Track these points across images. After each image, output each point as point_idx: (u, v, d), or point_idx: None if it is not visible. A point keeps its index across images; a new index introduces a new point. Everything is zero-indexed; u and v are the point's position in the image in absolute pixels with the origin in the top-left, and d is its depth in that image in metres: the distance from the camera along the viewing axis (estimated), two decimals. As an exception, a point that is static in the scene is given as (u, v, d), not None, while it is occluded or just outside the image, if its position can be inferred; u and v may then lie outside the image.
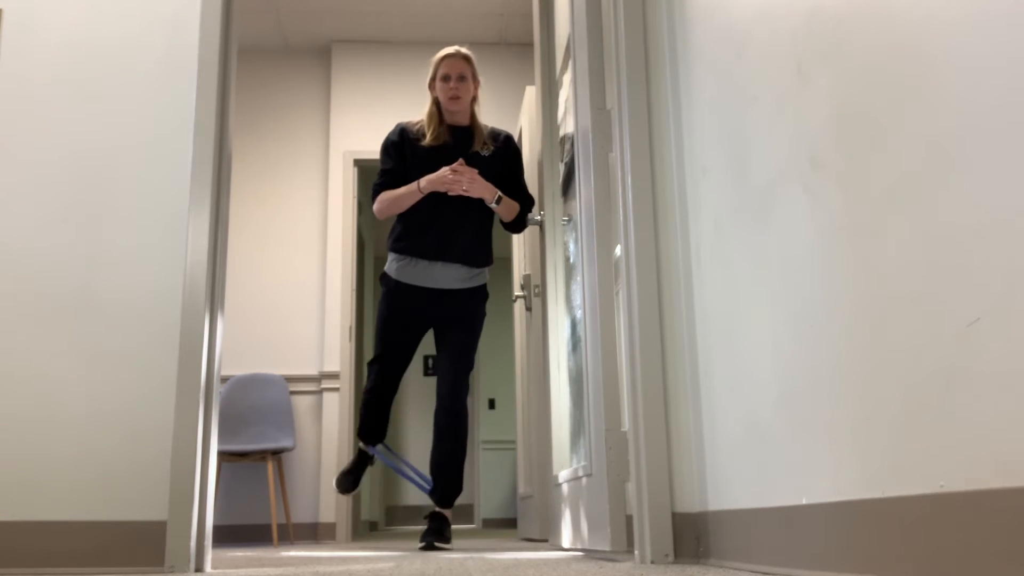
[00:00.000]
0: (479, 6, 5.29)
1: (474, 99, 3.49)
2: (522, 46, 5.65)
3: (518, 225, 3.54)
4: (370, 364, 3.52)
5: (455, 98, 3.40)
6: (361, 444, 3.60)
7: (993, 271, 0.96)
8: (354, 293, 5.34)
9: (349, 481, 3.58)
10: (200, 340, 2.16)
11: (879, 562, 1.19)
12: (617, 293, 2.43)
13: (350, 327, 5.23)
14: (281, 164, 5.47)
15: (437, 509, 3.42)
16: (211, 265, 2.22)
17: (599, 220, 2.35)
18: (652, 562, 1.96)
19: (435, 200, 3.36)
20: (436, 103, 3.47)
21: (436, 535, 3.33)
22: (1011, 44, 0.93)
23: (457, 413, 3.37)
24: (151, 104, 2.32)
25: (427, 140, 3.41)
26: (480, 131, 3.48)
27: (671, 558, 1.97)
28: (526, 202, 3.53)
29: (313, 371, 5.18)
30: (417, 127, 3.48)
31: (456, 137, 3.44)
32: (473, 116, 3.49)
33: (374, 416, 3.53)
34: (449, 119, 3.47)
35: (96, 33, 2.36)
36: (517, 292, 4.23)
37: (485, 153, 3.44)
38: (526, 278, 4.09)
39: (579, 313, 2.89)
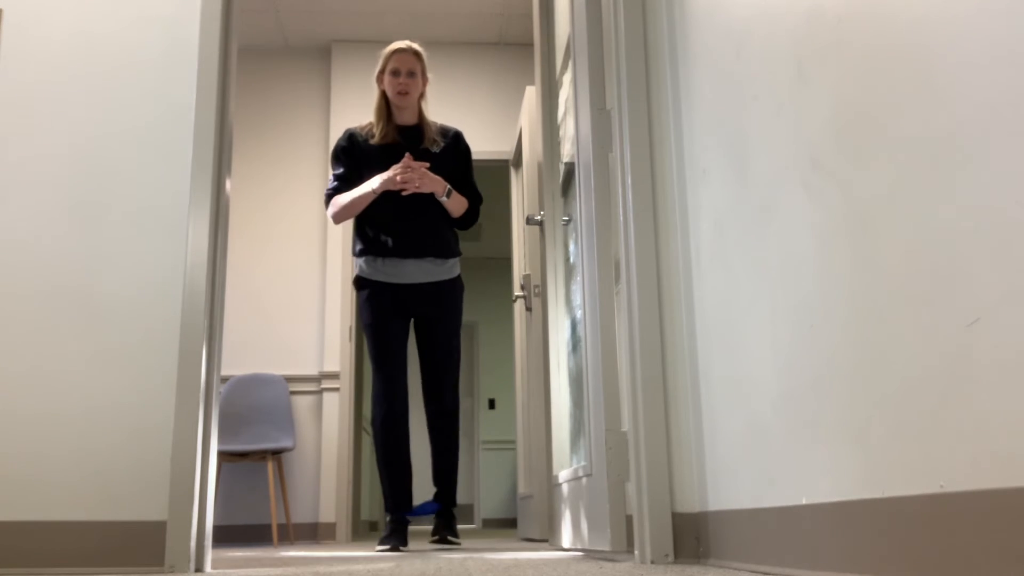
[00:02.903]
0: (479, 6, 5.29)
1: (422, 96, 3.49)
2: (522, 46, 5.65)
3: (465, 221, 3.53)
4: (373, 387, 3.41)
5: (403, 93, 3.40)
6: (390, 518, 3.38)
7: (993, 271, 0.96)
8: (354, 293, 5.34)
9: (392, 543, 3.30)
10: (200, 340, 2.16)
11: (879, 562, 1.19)
12: (617, 293, 2.43)
13: (350, 327, 5.23)
14: (281, 164, 5.47)
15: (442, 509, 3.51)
16: (211, 265, 2.22)
17: (599, 220, 2.35)
18: (652, 562, 1.96)
19: (392, 199, 3.37)
20: (384, 97, 3.46)
21: (449, 530, 3.47)
22: (1011, 42, 0.93)
23: (447, 411, 3.46)
24: (151, 103, 2.32)
25: (376, 140, 3.42)
26: (429, 128, 3.48)
27: (671, 558, 1.97)
28: (474, 199, 3.55)
29: (313, 371, 5.18)
30: (366, 129, 3.49)
31: (405, 136, 3.45)
32: (421, 114, 3.49)
33: (398, 478, 3.36)
34: (397, 115, 3.47)
35: (96, 32, 2.36)
36: (517, 292, 4.23)
37: (435, 150, 3.45)
38: (526, 278, 4.09)
39: (579, 313, 2.89)
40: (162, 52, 2.35)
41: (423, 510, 3.53)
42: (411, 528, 8.64)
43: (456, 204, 3.44)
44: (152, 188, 2.27)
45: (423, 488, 9.71)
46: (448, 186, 3.38)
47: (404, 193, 3.33)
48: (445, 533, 3.48)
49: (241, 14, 5.26)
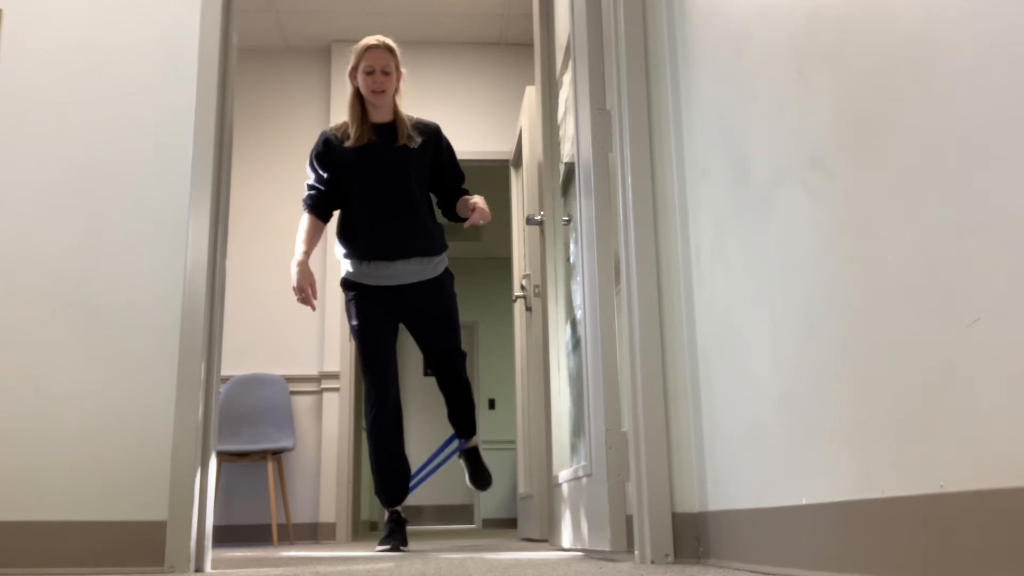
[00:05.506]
0: (479, 6, 5.29)
1: (397, 91, 3.40)
2: (522, 46, 5.65)
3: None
4: (365, 388, 3.40)
5: (379, 92, 3.32)
6: (387, 512, 3.41)
7: (993, 271, 0.96)
8: (354, 293, 5.33)
9: (393, 542, 3.31)
10: (200, 340, 2.16)
11: (879, 562, 1.19)
12: (617, 293, 2.43)
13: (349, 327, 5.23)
14: (281, 164, 5.47)
15: (467, 444, 3.65)
16: (211, 265, 2.23)
17: (599, 220, 2.35)
18: (652, 562, 1.96)
19: (379, 202, 3.34)
20: (357, 94, 3.38)
21: (484, 476, 3.67)
22: (1012, 42, 0.93)
23: (463, 381, 3.57)
24: (151, 105, 2.32)
25: (351, 142, 3.35)
26: (404, 124, 3.40)
27: (671, 558, 1.97)
28: (463, 186, 3.55)
29: (313, 371, 5.18)
30: (342, 131, 3.42)
31: (380, 135, 3.38)
32: (396, 110, 3.42)
33: (390, 473, 3.36)
34: (372, 113, 3.39)
35: (96, 33, 2.36)
36: (517, 292, 4.23)
37: (412, 146, 3.38)
38: (526, 278, 4.09)
39: (579, 313, 2.89)
40: (162, 53, 2.35)
41: (444, 458, 3.62)
42: (411, 528, 8.64)
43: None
44: (152, 189, 2.27)
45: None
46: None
47: (466, 225, 3.39)
48: (487, 481, 3.65)
49: (241, 14, 5.25)
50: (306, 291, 3.29)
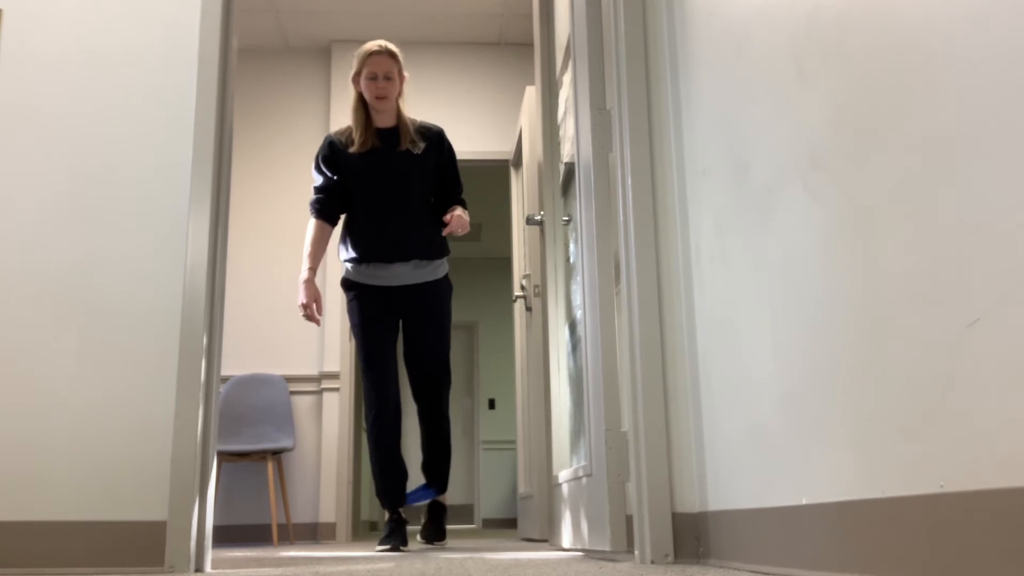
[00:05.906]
0: (479, 6, 5.29)
1: (400, 95, 3.43)
2: (522, 46, 5.65)
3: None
4: (364, 387, 3.41)
5: (382, 98, 3.36)
6: (388, 513, 3.43)
7: (993, 271, 0.96)
8: (354, 293, 5.32)
9: (392, 542, 3.30)
10: (200, 340, 2.16)
11: (879, 562, 1.19)
12: (617, 293, 2.43)
13: (350, 327, 5.23)
14: (281, 164, 5.47)
15: (436, 497, 3.59)
16: (211, 265, 2.23)
17: (599, 220, 2.35)
18: (652, 562, 1.96)
19: (381, 206, 3.37)
20: (361, 99, 3.42)
21: (438, 533, 3.58)
22: (1012, 43, 0.93)
23: (442, 416, 3.51)
24: (151, 106, 2.32)
25: (355, 148, 3.38)
26: (407, 128, 3.43)
27: (671, 558, 1.97)
28: (460, 195, 3.56)
29: (313, 371, 5.18)
30: (346, 135, 3.45)
31: (384, 139, 3.41)
32: (399, 114, 3.44)
33: (391, 475, 3.39)
34: (376, 118, 3.43)
35: (96, 34, 2.36)
36: (517, 292, 4.23)
37: (415, 151, 3.41)
38: (526, 278, 4.09)
39: (579, 313, 2.89)
40: (162, 53, 2.35)
41: (415, 497, 3.55)
42: (411, 529, 8.64)
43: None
44: (152, 189, 2.27)
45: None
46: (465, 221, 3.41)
47: (444, 232, 3.39)
48: (435, 538, 3.61)
49: (241, 14, 5.25)
50: (311, 308, 3.37)
